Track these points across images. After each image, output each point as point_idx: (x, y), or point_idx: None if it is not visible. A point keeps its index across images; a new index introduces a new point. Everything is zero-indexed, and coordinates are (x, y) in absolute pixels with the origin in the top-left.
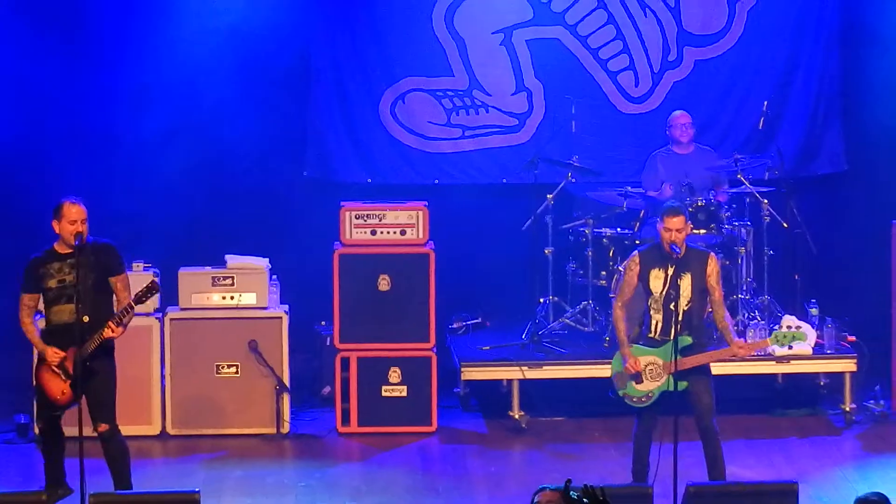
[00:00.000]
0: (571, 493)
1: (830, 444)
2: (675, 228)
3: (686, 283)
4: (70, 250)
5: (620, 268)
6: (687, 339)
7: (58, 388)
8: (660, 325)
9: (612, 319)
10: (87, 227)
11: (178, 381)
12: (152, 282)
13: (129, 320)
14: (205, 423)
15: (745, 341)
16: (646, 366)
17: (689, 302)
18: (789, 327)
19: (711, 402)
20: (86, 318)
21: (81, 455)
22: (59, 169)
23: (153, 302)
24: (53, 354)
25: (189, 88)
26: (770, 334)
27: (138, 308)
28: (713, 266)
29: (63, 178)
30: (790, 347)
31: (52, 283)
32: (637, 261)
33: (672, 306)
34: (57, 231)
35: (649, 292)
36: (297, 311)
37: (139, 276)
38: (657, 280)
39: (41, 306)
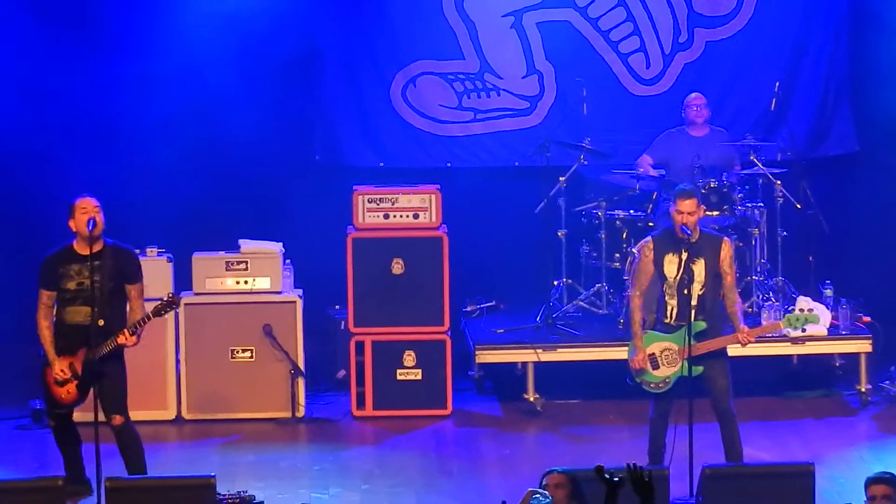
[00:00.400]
0: (607, 475)
1: (846, 425)
2: (686, 211)
3: (700, 267)
4: (90, 251)
5: (634, 250)
6: (701, 325)
7: (63, 387)
8: (675, 310)
9: (630, 308)
10: (102, 217)
11: (193, 365)
12: (172, 295)
13: (142, 331)
14: (219, 407)
15: (749, 328)
16: (661, 351)
17: (702, 287)
18: (801, 310)
19: (727, 384)
20: (101, 322)
21: (97, 440)
22: (71, 156)
23: (167, 287)
24: (60, 371)
25: (198, 74)
26: (783, 316)
27: (151, 293)
28: (727, 250)
29: (75, 165)
30: (804, 330)
31: (71, 285)
32: (651, 246)
33: (686, 291)
34: (73, 228)
35: (664, 277)
36: (311, 296)
37: (153, 262)
38: (671, 265)
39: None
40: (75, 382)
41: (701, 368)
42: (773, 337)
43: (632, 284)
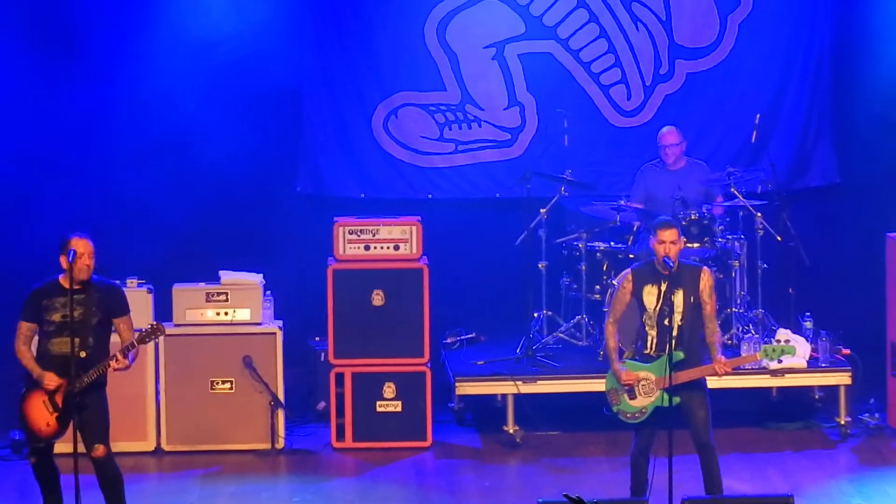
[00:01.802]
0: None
1: (825, 458)
2: (668, 241)
3: (679, 298)
4: (77, 286)
5: (615, 282)
6: (679, 355)
7: (43, 419)
8: (654, 340)
9: (605, 335)
10: (93, 262)
11: (173, 396)
12: (156, 325)
13: (134, 356)
14: (199, 438)
15: (727, 358)
16: (639, 381)
17: (682, 317)
18: (778, 341)
19: (707, 416)
20: (83, 354)
21: (76, 472)
22: (52, 186)
23: (147, 318)
24: (50, 380)
25: (180, 104)
26: (760, 348)
27: (133, 324)
28: (706, 280)
29: (55, 195)
30: (780, 361)
31: (56, 317)
32: (630, 278)
33: (666, 322)
34: (64, 266)
35: (643, 308)
36: (291, 327)
37: (134, 293)
38: (650, 296)
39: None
40: (55, 415)
41: (678, 399)
42: (752, 369)
43: (608, 313)
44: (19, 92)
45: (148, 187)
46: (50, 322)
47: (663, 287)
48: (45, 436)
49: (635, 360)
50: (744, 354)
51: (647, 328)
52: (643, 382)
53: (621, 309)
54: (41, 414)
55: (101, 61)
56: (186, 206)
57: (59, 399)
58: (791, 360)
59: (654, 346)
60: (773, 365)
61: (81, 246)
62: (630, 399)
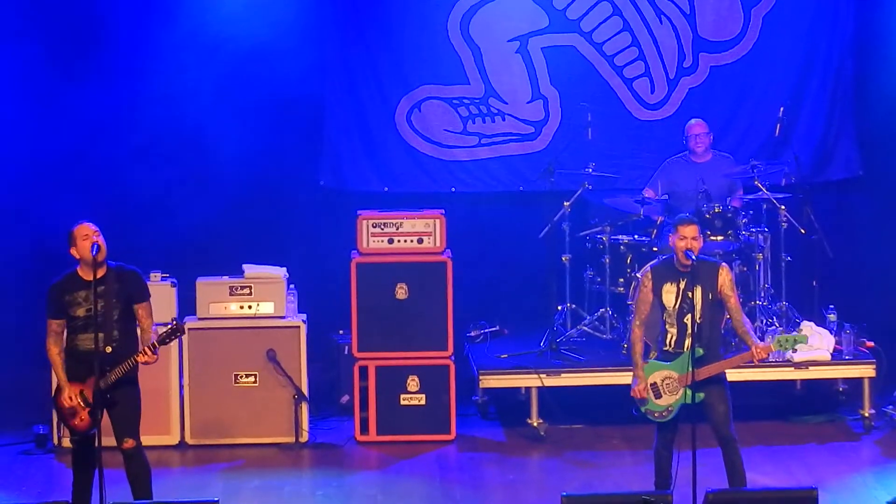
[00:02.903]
0: None
1: (849, 451)
2: (689, 237)
3: (697, 295)
4: (95, 276)
5: (638, 275)
6: (699, 351)
7: (75, 414)
8: (674, 338)
9: (630, 338)
10: (103, 240)
11: (197, 390)
12: (177, 324)
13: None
14: (223, 432)
15: (759, 346)
16: (662, 380)
17: (700, 314)
18: (790, 331)
19: (728, 410)
20: (109, 349)
21: (100, 466)
22: (78, 179)
23: (171, 312)
24: (68, 398)
25: (204, 99)
26: (773, 338)
27: (156, 318)
28: (724, 275)
29: (81, 188)
30: (794, 351)
31: (81, 312)
32: (650, 276)
33: (686, 319)
34: (76, 255)
35: (663, 307)
36: (314, 321)
37: (157, 287)
38: (669, 294)
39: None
40: (87, 409)
41: (702, 395)
42: (776, 362)
43: (633, 314)
44: (43, 89)
45: (171, 182)
46: (74, 318)
47: (682, 285)
48: (79, 430)
49: (657, 358)
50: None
51: (667, 325)
52: (666, 381)
53: (646, 310)
54: (73, 409)
55: (124, 58)
56: (210, 201)
57: (88, 394)
58: (814, 352)
59: (673, 343)
60: (790, 355)
61: (86, 230)
62: (656, 398)
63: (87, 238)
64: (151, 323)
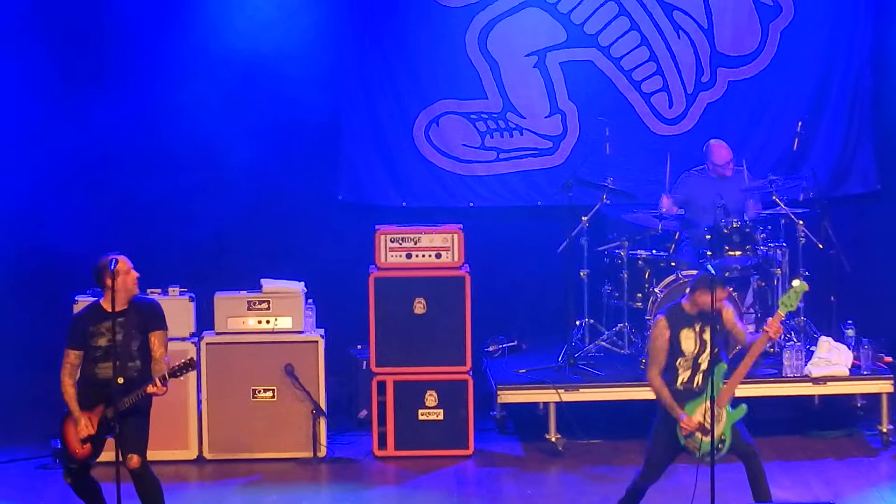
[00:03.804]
0: None
1: (867, 466)
2: (721, 299)
3: (708, 334)
4: (119, 308)
5: (650, 323)
6: (723, 367)
7: (78, 441)
8: (686, 378)
9: (654, 387)
10: (134, 276)
11: (215, 405)
12: (190, 359)
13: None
14: (241, 447)
15: (771, 366)
16: (705, 414)
17: (712, 351)
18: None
19: (744, 428)
20: (121, 380)
21: (118, 481)
22: (97, 193)
23: (189, 326)
24: (84, 428)
25: (223, 113)
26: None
27: (173, 333)
28: (728, 313)
29: (100, 203)
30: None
31: (103, 342)
32: (666, 324)
33: (700, 360)
34: (110, 286)
35: (679, 353)
36: (332, 335)
37: (176, 301)
38: (688, 340)
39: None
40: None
41: (744, 406)
42: (794, 377)
43: (650, 364)
44: (56, 101)
45: (190, 196)
46: (96, 348)
47: (697, 328)
48: (79, 457)
49: (680, 398)
50: (767, 326)
51: (680, 369)
52: (708, 412)
53: (664, 357)
54: (77, 437)
55: (140, 67)
56: (227, 215)
57: (95, 422)
58: (832, 367)
59: (684, 381)
60: (808, 370)
61: (126, 264)
62: (705, 436)
63: (130, 273)
64: (164, 353)
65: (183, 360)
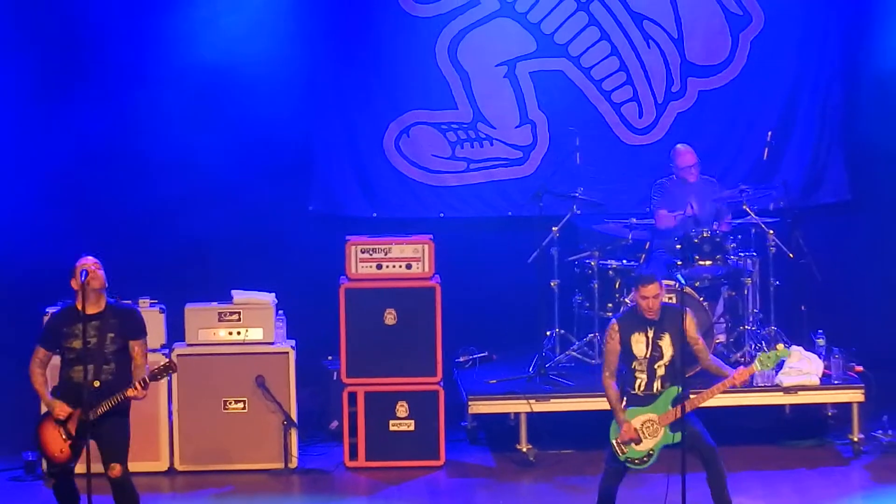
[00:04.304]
0: None
1: (839, 475)
2: (650, 296)
3: (667, 341)
4: (94, 311)
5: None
6: (675, 390)
7: (57, 445)
8: (644, 383)
9: (604, 388)
10: (102, 273)
11: (186, 416)
12: (170, 362)
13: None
14: (213, 458)
15: (737, 371)
16: (642, 424)
17: (671, 358)
18: (767, 350)
19: (702, 427)
20: (97, 383)
21: (89, 492)
22: (67, 205)
23: (160, 338)
24: (61, 410)
25: (192, 123)
26: (755, 359)
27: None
28: (689, 321)
29: (65, 215)
30: (779, 368)
31: (77, 344)
32: (616, 328)
33: (656, 365)
34: (75, 288)
35: (632, 356)
36: (303, 346)
37: (146, 312)
38: (639, 344)
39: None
40: (69, 442)
41: (679, 434)
42: (765, 386)
43: (603, 367)
44: (31, 113)
45: (159, 207)
46: (70, 349)
47: (650, 333)
48: (58, 462)
49: (630, 405)
50: (735, 373)
51: (636, 373)
52: (646, 424)
53: (615, 360)
54: (55, 440)
55: (114, 80)
56: (199, 226)
57: (72, 427)
58: (803, 377)
59: (643, 387)
60: (779, 380)
61: (84, 261)
62: (636, 445)
63: (92, 273)
64: (146, 362)
65: (163, 363)
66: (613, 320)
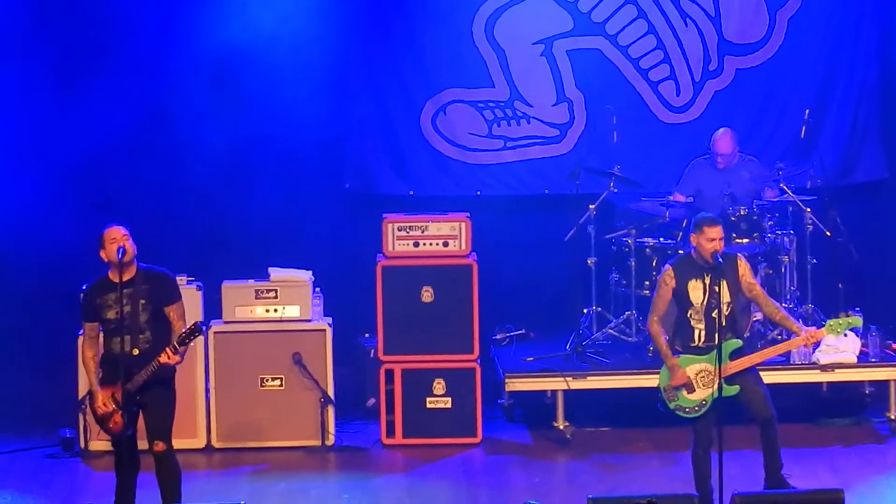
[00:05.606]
0: None
1: (875, 453)
2: (717, 238)
3: (724, 288)
4: (125, 278)
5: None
6: (736, 343)
7: (108, 417)
8: (703, 333)
9: (651, 334)
10: (132, 243)
11: (223, 394)
12: (196, 325)
13: (185, 350)
14: (249, 436)
15: (809, 330)
16: (696, 374)
17: (729, 306)
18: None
19: (767, 391)
20: (136, 351)
21: (120, 464)
22: (104, 182)
23: (197, 315)
24: (102, 406)
25: (229, 103)
26: (824, 323)
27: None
28: (744, 265)
29: (107, 192)
30: (846, 335)
31: (112, 315)
32: (672, 274)
33: (714, 314)
34: (104, 258)
35: (689, 304)
36: (340, 324)
37: (183, 290)
38: (696, 290)
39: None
40: (119, 413)
41: (737, 387)
42: (803, 365)
43: (651, 311)
44: (63, 97)
45: (197, 186)
46: (107, 321)
47: (707, 280)
48: (115, 433)
49: (688, 353)
50: (804, 333)
51: (692, 322)
52: (701, 374)
53: (665, 307)
54: (108, 413)
55: (144, 62)
56: (236, 204)
57: (119, 397)
58: (840, 355)
59: (702, 338)
60: (816, 357)
61: (114, 233)
62: (689, 393)
63: (115, 242)
64: (183, 325)
65: (189, 327)
66: (668, 265)
